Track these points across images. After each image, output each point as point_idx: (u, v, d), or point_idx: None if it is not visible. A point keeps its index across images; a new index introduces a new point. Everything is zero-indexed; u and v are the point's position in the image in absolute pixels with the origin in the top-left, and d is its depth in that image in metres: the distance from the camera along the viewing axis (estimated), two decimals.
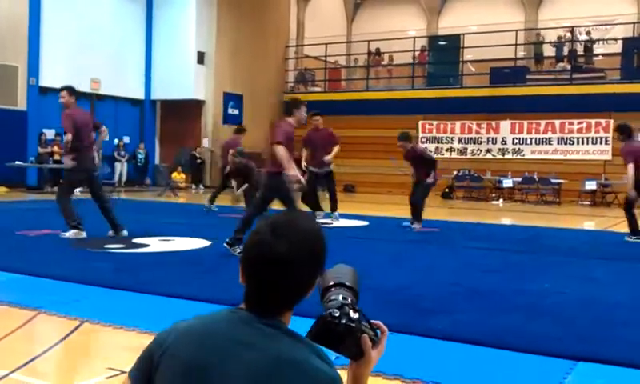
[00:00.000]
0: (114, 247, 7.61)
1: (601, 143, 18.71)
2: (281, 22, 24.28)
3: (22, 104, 17.95)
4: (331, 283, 1.51)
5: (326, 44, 23.54)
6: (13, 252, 7.04)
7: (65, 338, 3.93)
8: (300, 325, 1.53)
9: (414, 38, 23.58)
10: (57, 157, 18.14)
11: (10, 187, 16.79)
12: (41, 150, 17.92)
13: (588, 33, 21.38)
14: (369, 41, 23.37)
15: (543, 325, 4.44)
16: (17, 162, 16.85)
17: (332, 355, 1.42)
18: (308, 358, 1.35)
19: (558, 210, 16.14)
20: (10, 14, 17.54)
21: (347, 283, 1.52)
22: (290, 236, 1.41)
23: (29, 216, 11.08)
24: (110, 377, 3.28)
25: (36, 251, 7.20)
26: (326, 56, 24.01)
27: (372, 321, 1.53)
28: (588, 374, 3.54)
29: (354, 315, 1.46)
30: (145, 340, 3.78)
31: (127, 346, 3.87)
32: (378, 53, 24.08)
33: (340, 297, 1.48)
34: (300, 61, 25.66)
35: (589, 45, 21.25)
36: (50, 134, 18.34)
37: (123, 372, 3.30)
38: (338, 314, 1.44)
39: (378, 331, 1.55)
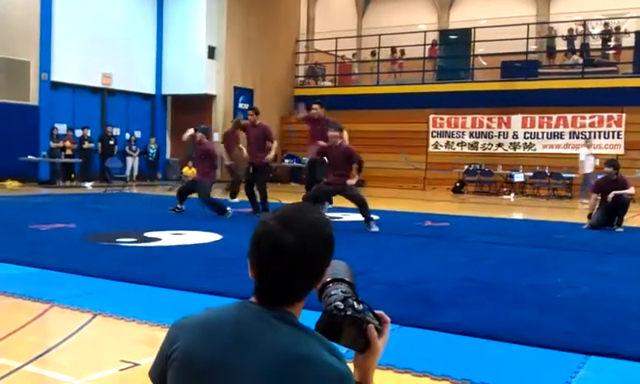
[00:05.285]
0: (126, 241, 7.65)
1: (613, 137, 18.58)
2: (291, 16, 24.26)
3: (34, 99, 18.04)
4: (328, 279, 1.51)
5: (337, 38, 23.51)
6: (25, 246, 7.08)
7: (78, 330, 3.96)
8: (309, 317, 1.53)
9: (425, 32, 23.49)
10: (69, 151, 18.25)
11: (23, 181, 16.88)
12: (53, 145, 18.01)
13: (606, 24, 21.21)
14: (379, 35, 23.31)
15: (555, 319, 4.43)
16: (29, 157, 16.97)
17: (342, 349, 1.43)
18: (319, 353, 1.35)
19: (570, 205, 16.06)
20: (21, 9, 17.61)
21: (345, 278, 1.53)
22: (297, 226, 1.41)
23: (41, 210, 11.14)
24: (123, 369, 3.30)
25: (48, 245, 7.24)
26: (336, 50, 23.98)
27: (374, 311, 1.53)
28: (600, 368, 3.52)
29: (359, 306, 1.46)
30: (157, 332, 3.82)
31: (139, 338, 3.90)
32: (393, 50, 24.04)
33: (339, 291, 1.49)
34: (310, 55, 25.63)
35: (606, 36, 21.09)
36: (61, 128, 18.44)
37: (136, 364, 3.33)
38: (342, 307, 1.44)
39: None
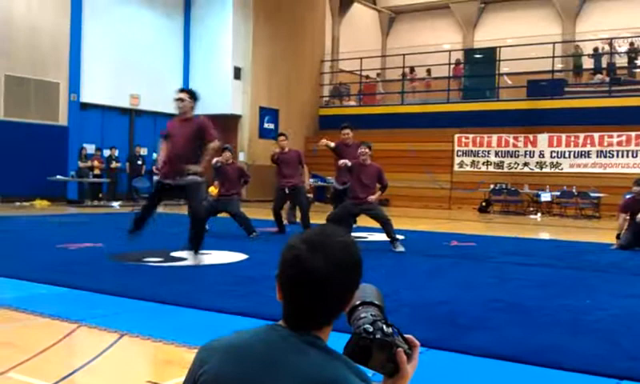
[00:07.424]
0: (153, 261, 7.69)
1: None
2: (316, 36, 24.42)
3: (63, 119, 18.35)
4: (358, 303, 1.50)
5: (361, 58, 23.60)
6: (54, 265, 7.15)
7: (105, 350, 3.98)
8: (337, 341, 1.52)
9: (450, 51, 23.48)
10: (97, 171, 18.48)
11: (52, 200, 17.12)
12: (81, 165, 18.27)
13: (631, 44, 21.02)
14: (404, 55, 23.35)
15: (586, 342, 4.35)
16: (58, 176, 17.20)
17: (369, 373, 1.41)
18: (346, 377, 1.34)
19: (598, 225, 15.84)
20: (52, 32, 17.97)
21: (374, 301, 1.52)
22: (326, 250, 1.40)
23: (69, 229, 11.27)
24: None
25: (76, 264, 7.29)
26: (361, 70, 24.06)
27: (404, 335, 1.51)
28: None
29: (388, 330, 1.45)
30: (184, 354, 3.83)
31: (166, 359, 3.91)
32: (412, 70, 24.06)
33: (369, 314, 1.48)
34: (335, 75, 25.74)
35: (632, 55, 20.89)
36: (90, 148, 18.71)
37: None
38: (371, 330, 1.43)
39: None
